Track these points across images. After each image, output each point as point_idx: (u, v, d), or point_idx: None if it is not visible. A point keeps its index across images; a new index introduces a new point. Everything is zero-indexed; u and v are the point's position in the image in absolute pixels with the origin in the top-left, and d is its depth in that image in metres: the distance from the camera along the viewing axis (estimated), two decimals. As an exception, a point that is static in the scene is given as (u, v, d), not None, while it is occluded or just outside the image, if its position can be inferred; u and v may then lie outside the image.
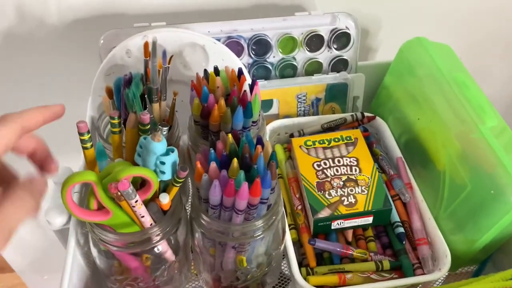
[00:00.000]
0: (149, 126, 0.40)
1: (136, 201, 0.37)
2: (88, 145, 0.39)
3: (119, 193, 0.35)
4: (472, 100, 0.52)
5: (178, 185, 0.40)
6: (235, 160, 0.39)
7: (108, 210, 0.39)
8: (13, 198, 0.29)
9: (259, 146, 0.40)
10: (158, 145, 0.37)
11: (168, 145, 0.51)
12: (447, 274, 0.58)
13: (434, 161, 0.55)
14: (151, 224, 0.41)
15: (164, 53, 0.45)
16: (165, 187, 0.41)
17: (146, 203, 0.40)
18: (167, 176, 0.39)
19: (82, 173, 0.37)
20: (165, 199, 0.40)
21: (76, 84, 0.66)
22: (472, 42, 0.80)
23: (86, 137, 0.38)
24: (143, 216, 0.39)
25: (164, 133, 0.40)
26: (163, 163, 0.38)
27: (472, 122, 0.51)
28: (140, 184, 0.41)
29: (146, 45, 0.47)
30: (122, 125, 0.43)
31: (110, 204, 0.38)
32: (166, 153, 0.38)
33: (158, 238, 0.41)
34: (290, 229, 0.54)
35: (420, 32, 0.63)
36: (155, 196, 0.40)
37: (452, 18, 0.76)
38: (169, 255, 0.44)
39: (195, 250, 0.47)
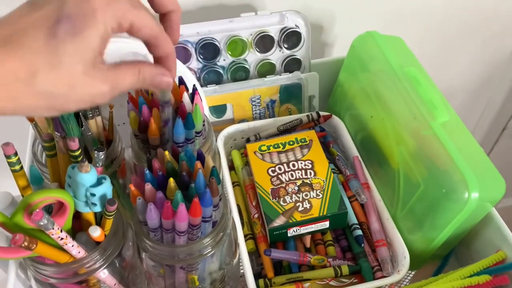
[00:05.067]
0: (79, 152, 0.37)
1: (60, 232, 0.34)
2: (17, 167, 0.36)
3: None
4: (424, 96, 0.51)
5: (110, 217, 0.37)
6: (171, 180, 0.37)
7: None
8: (131, 64, 0.30)
9: (198, 162, 0.38)
10: (86, 176, 0.34)
11: (111, 160, 0.49)
12: (412, 272, 0.58)
13: (389, 159, 0.54)
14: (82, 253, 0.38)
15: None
16: (100, 217, 0.39)
17: (75, 233, 0.38)
18: (98, 208, 0.36)
19: None
20: (95, 232, 0.37)
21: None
22: (431, 34, 0.79)
23: (14, 159, 0.35)
24: (72, 246, 0.36)
25: (102, 157, 0.37)
26: (93, 194, 0.35)
27: (423, 118, 0.49)
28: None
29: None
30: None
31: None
32: (98, 182, 0.35)
33: (96, 266, 0.39)
34: (247, 239, 0.52)
35: (376, 24, 0.61)
36: (88, 224, 0.38)
37: (409, 9, 0.75)
38: (109, 280, 0.41)
39: (145, 272, 0.45)
